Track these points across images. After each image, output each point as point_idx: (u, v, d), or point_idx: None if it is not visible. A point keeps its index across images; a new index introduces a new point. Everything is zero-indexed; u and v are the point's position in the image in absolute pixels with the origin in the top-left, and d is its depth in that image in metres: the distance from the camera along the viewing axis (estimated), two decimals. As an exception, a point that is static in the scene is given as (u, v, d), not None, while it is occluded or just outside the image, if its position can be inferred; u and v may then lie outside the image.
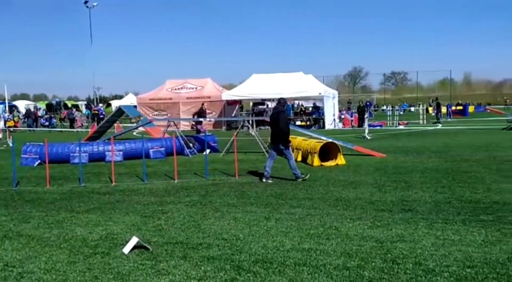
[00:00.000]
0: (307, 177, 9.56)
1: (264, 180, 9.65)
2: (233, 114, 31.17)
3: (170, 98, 33.19)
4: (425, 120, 33.43)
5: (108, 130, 21.76)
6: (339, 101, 37.24)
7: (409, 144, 17.23)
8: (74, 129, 33.40)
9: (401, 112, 47.94)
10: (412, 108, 59.53)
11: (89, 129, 27.91)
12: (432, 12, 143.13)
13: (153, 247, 5.29)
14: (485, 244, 5.15)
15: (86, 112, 49.54)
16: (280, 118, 9.62)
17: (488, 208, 6.82)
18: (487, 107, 53.12)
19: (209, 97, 32.53)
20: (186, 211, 7.12)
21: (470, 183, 8.78)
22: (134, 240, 5.21)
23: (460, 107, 48.70)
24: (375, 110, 49.94)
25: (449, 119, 38.53)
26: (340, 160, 12.08)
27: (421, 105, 39.67)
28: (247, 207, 7.32)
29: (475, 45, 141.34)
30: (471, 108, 53.47)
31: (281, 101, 10.08)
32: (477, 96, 73.12)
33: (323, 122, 29.82)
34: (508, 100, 63.03)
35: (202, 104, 21.55)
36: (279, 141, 9.65)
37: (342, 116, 33.25)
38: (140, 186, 9.57)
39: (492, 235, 5.46)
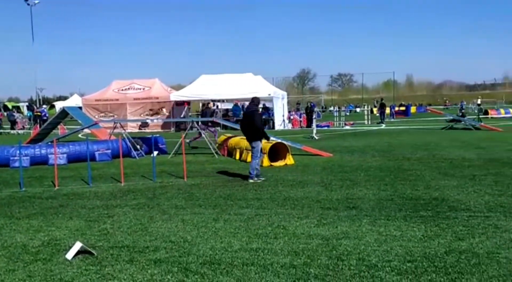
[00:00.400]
0: (259, 181, 9.61)
1: (256, 179, 9.68)
2: (181, 115, 30.85)
3: (117, 99, 32.44)
4: (369, 121, 34.52)
5: (52, 133, 20.96)
6: (288, 102, 37.73)
7: (355, 143, 17.73)
8: (15, 131, 31.94)
9: (348, 113, 49.27)
10: (358, 109, 61.28)
11: (31, 132, 26.78)
12: (375, 14, 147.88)
13: (98, 252, 5.15)
14: (424, 238, 5.39)
15: (28, 114, 47.41)
16: (255, 116, 9.80)
17: (428, 204, 7.14)
18: (427, 107, 55.49)
19: (157, 98, 32.10)
20: (133, 214, 6.99)
21: (411, 181, 9.16)
22: (77, 245, 5.06)
23: (403, 108, 50.78)
24: (323, 111, 51.00)
25: (392, 120, 40.01)
26: (289, 160, 12.25)
27: (366, 106, 40.90)
28: (195, 208, 7.28)
29: (417, 47, 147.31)
30: (413, 109, 55.89)
31: (255, 101, 10.25)
32: (419, 97, 76.37)
33: (273, 123, 30.11)
34: (447, 101, 66.15)
35: (208, 104, 19.74)
36: (256, 138, 9.80)
37: (291, 117, 33.70)
38: (85, 189, 9.29)
39: (431, 230, 5.72)
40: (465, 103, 43.07)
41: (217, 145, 15.57)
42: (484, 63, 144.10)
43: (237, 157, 13.65)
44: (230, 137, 15.22)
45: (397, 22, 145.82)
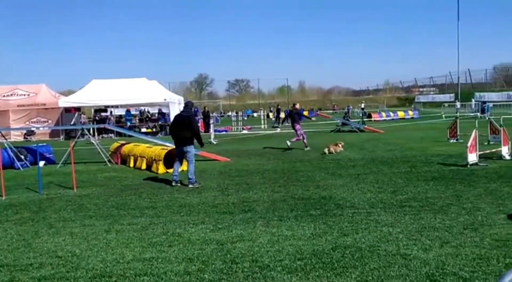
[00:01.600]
0: (200, 186, 9.48)
1: (173, 184, 9.70)
2: (71, 123, 29.18)
3: (-2, 106, 29.79)
4: (266, 125, 35.52)
5: None
6: (185, 108, 37.41)
7: (252, 147, 18.13)
8: None
9: (245, 118, 50.17)
10: (255, 114, 62.74)
11: None
12: (269, 20, 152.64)
13: (-28, 274, 4.69)
14: (313, 236, 5.68)
15: None
16: (193, 121, 9.79)
17: (317, 203, 7.53)
18: (318, 112, 58.44)
19: (44, 104, 30.09)
20: (15, 230, 6.47)
21: (303, 181, 9.60)
22: None
23: (297, 112, 52.89)
24: (221, 116, 51.44)
25: (286, 124, 41.52)
26: (186, 166, 12.13)
27: (262, 111, 42.03)
28: (85, 220, 6.93)
29: (309, 55, 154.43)
30: (305, 113, 58.45)
31: (189, 105, 10.28)
32: (310, 102, 80.00)
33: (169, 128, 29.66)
34: (336, 106, 70.23)
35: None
36: (190, 142, 9.65)
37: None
38: (-43, 206, 8.39)
39: (319, 228, 6.04)
40: (351, 107, 46.05)
41: (109, 153, 14.97)
42: (368, 70, 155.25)
43: (131, 164, 13.26)
44: (123, 145, 14.73)
45: (288, 29, 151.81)
